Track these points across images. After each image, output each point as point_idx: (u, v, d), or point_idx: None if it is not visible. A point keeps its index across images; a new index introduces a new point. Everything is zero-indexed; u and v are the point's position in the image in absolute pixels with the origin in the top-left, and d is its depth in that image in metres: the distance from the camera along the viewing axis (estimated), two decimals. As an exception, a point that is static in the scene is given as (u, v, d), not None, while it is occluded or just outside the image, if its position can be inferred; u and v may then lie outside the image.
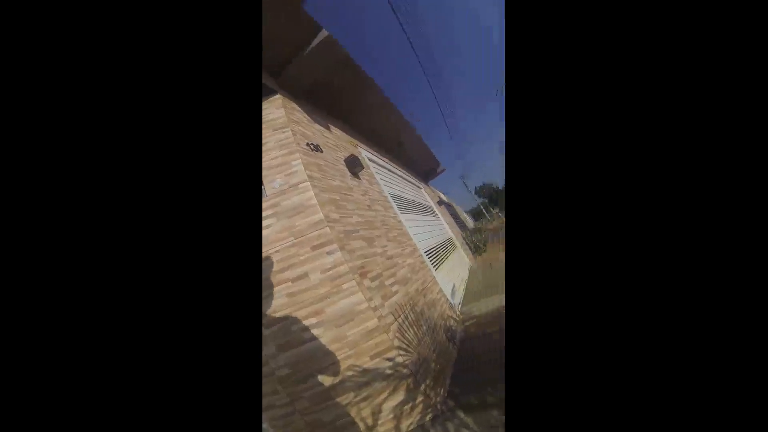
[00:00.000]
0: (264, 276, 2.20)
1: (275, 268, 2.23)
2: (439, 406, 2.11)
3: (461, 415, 1.99)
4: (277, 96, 3.15)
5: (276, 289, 2.19)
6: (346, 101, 4.74)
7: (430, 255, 5.15)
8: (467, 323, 3.77)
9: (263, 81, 3.11)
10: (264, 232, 2.31)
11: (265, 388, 2.08)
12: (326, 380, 2.05)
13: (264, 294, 2.17)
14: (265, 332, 2.12)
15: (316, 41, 3.23)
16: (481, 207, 41.83)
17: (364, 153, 5.06)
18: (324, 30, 3.19)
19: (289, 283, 2.21)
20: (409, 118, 6.37)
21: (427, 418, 2.05)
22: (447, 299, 4.15)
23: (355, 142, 4.98)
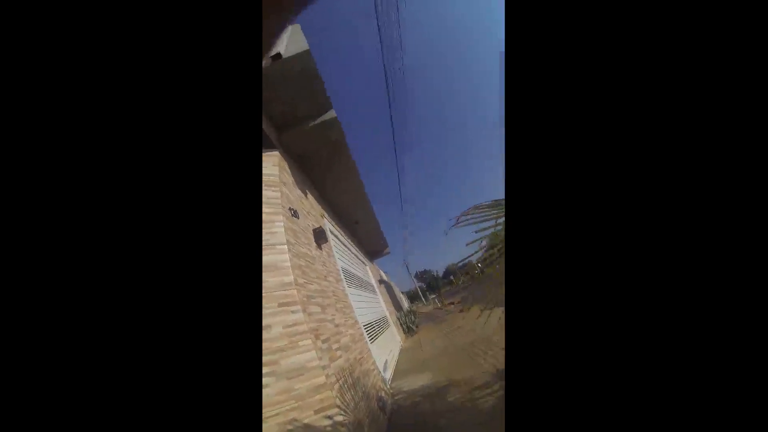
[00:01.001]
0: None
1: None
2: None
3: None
4: (275, 153, 3.62)
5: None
6: (326, 174, 5.31)
7: (368, 329, 5.45)
8: (396, 397, 4.03)
9: (268, 133, 3.55)
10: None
11: None
12: (272, 430, 2.23)
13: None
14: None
15: (323, 117, 3.84)
16: (419, 291, 42.72)
17: (328, 224, 5.52)
18: (333, 110, 3.82)
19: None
20: (372, 200, 7.07)
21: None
22: (379, 371, 4.42)
23: (323, 212, 5.46)
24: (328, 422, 2.34)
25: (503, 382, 3.23)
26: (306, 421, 2.31)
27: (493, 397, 2.99)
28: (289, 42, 3.38)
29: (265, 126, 3.77)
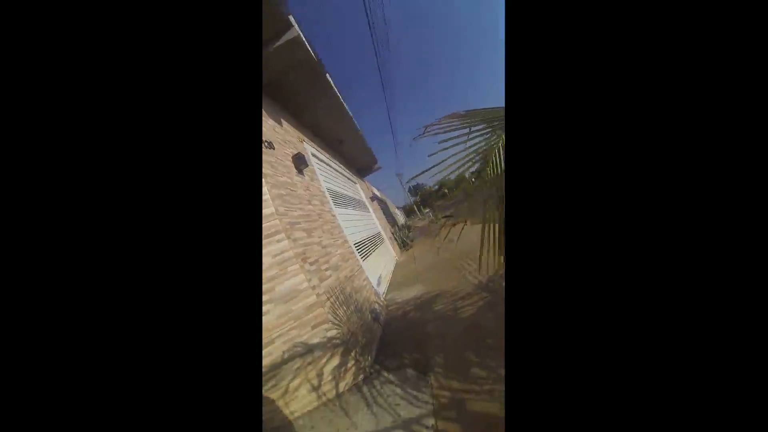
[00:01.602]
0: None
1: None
2: (368, 370, 2.67)
3: (385, 373, 2.58)
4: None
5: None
6: (300, 98, 5.00)
7: (360, 247, 5.68)
8: (390, 308, 4.38)
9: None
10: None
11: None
12: (279, 348, 2.50)
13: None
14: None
15: (284, 39, 3.46)
16: (414, 205, 43.59)
17: (309, 148, 5.40)
18: (295, 28, 3.42)
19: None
20: (356, 119, 6.81)
21: (359, 378, 2.60)
22: (372, 286, 4.73)
23: (303, 137, 5.30)
24: (322, 336, 2.57)
25: (482, 294, 3.56)
26: (305, 337, 2.55)
27: (473, 307, 3.29)
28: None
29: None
